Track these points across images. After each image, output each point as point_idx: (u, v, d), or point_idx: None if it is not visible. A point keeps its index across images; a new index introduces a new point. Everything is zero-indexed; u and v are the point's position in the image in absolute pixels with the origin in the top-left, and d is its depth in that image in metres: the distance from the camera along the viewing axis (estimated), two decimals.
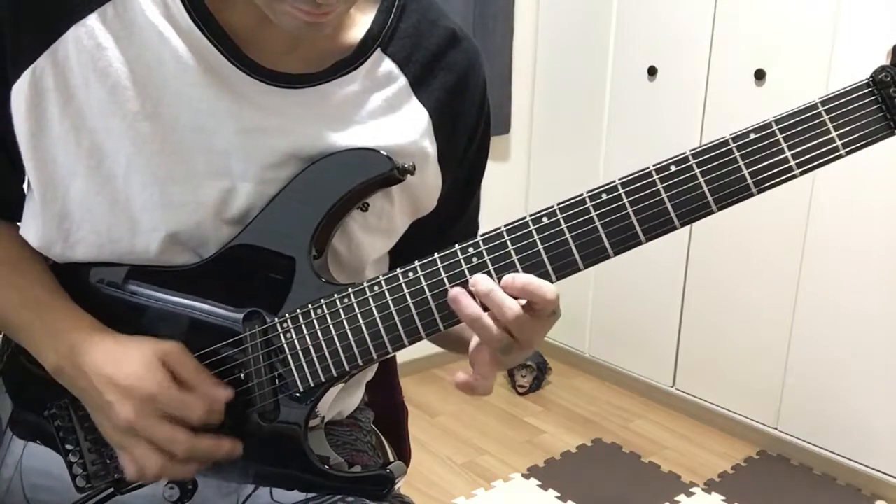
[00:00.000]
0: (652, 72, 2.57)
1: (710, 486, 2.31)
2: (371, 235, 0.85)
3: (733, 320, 2.50)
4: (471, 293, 0.71)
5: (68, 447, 0.82)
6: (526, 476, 2.36)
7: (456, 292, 0.71)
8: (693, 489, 2.30)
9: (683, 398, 2.70)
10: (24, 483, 0.87)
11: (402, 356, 0.90)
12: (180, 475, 0.77)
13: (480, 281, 0.71)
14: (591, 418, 2.71)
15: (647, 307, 2.74)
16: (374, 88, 0.82)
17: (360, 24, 0.82)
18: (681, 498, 2.26)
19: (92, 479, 0.82)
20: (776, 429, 2.45)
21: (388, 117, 0.82)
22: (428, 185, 0.86)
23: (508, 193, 3.02)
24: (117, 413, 0.74)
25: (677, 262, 2.61)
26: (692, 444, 2.55)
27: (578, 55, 2.80)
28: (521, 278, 0.70)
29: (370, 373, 1.01)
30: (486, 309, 0.71)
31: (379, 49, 0.82)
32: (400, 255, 0.90)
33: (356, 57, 0.81)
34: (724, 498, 2.25)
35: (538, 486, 2.31)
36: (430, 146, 0.84)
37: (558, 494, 2.26)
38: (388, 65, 0.82)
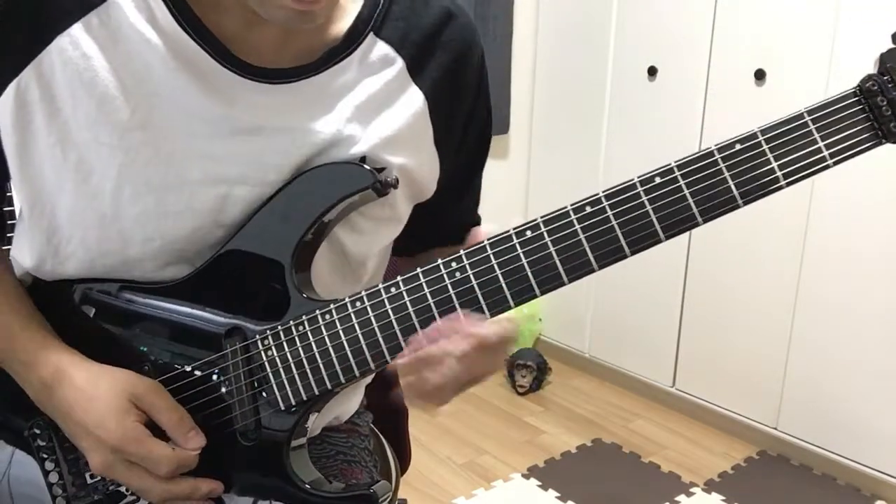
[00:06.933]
0: (652, 72, 2.56)
1: (710, 486, 2.31)
2: (377, 224, 0.84)
3: (733, 320, 2.50)
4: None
5: (48, 467, 0.82)
6: (526, 476, 2.36)
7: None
8: (693, 489, 2.30)
9: (683, 398, 2.69)
10: (12, 491, 0.86)
11: None
12: None
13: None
14: (591, 418, 2.71)
15: (647, 307, 2.73)
16: (370, 74, 0.80)
17: (350, 13, 0.80)
18: (681, 498, 2.26)
19: (72, 500, 0.81)
20: (776, 429, 2.45)
21: (385, 102, 0.80)
22: (424, 169, 0.85)
23: (508, 193, 3.02)
24: (91, 459, 0.75)
25: (677, 263, 2.60)
26: (692, 444, 2.55)
27: (578, 55, 2.79)
28: (465, 328, 0.70)
29: (368, 377, 1.00)
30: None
31: (372, 33, 0.80)
32: (398, 243, 0.90)
33: (348, 44, 0.79)
34: (724, 498, 2.25)
35: (538, 486, 2.31)
36: (426, 129, 0.83)
37: (558, 494, 2.26)
38: (382, 48, 0.80)
